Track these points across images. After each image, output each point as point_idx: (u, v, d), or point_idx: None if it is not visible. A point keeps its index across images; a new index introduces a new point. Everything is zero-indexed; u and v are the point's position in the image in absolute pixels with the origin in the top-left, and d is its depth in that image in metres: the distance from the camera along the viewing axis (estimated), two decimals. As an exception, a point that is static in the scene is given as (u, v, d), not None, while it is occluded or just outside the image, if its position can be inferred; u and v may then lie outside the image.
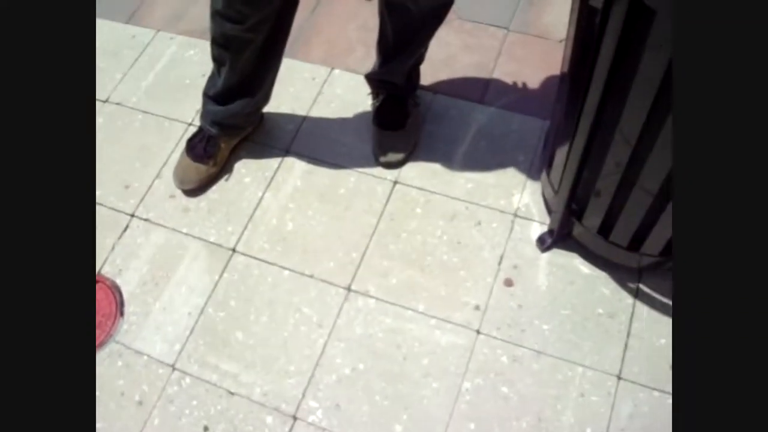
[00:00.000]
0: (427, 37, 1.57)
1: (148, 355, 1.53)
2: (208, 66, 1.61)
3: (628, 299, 1.51)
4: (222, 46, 1.48)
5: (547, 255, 1.58)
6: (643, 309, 1.50)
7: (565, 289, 1.53)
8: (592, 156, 1.31)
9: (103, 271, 1.65)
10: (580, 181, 1.41)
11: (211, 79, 1.63)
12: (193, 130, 1.83)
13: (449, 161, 1.73)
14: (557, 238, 1.57)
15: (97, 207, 1.75)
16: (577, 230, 1.51)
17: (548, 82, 1.86)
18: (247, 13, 1.35)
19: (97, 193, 1.77)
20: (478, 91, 1.85)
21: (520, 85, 1.86)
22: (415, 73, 1.71)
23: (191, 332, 1.54)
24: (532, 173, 1.69)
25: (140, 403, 1.46)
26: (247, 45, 1.45)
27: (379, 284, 1.56)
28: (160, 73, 2.00)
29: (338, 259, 1.60)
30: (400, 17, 1.51)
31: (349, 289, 1.56)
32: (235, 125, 1.69)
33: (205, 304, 1.57)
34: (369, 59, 1.86)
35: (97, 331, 1.58)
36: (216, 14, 1.41)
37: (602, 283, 1.54)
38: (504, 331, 1.49)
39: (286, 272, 1.59)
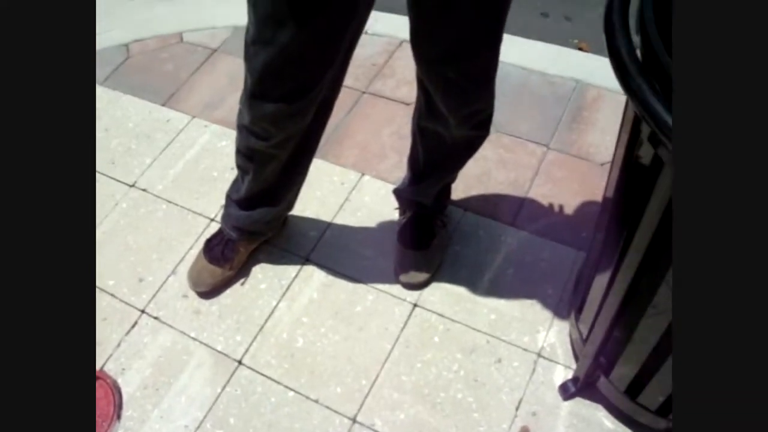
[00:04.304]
0: (458, 164, 1.51)
1: (139, 467, 1.45)
2: (236, 162, 1.56)
3: (655, 462, 1.39)
4: (246, 157, 1.44)
5: (569, 404, 1.47)
6: (670, 475, 1.38)
7: (586, 445, 1.42)
8: (633, 304, 1.20)
9: (106, 368, 1.59)
10: (613, 332, 1.31)
11: (235, 184, 1.59)
12: (215, 226, 1.79)
13: (474, 287, 1.64)
14: (581, 386, 1.46)
15: (109, 298, 1.70)
16: (602, 383, 1.40)
17: (586, 208, 1.78)
18: (273, 131, 1.31)
19: (111, 283, 1.72)
20: (511, 212, 1.78)
21: (555, 208, 1.78)
22: (445, 193, 1.65)
23: (186, 448, 1.46)
24: (560, 310, 1.60)
25: None
26: (272, 159, 1.41)
27: (387, 418, 1.46)
28: (189, 162, 1.97)
29: (346, 384, 1.51)
30: (431, 142, 1.46)
31: (354, 420, 1.46)
32: (256, 231, 1.64)
33: (204, 418, 1.49)
34: (400, 168, 1.81)
35: (91, 433, 1.51)
36: (242, 128, 1.37)
37: (627, 440, 1.42)
38: (516, 488, 1.37)
39: (291, 393, 1.51)
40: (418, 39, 1.23)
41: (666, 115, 0.81)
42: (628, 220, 1.08)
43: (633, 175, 1.07)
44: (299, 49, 1.15)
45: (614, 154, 1.19)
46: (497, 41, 1.21)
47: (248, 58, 1.21)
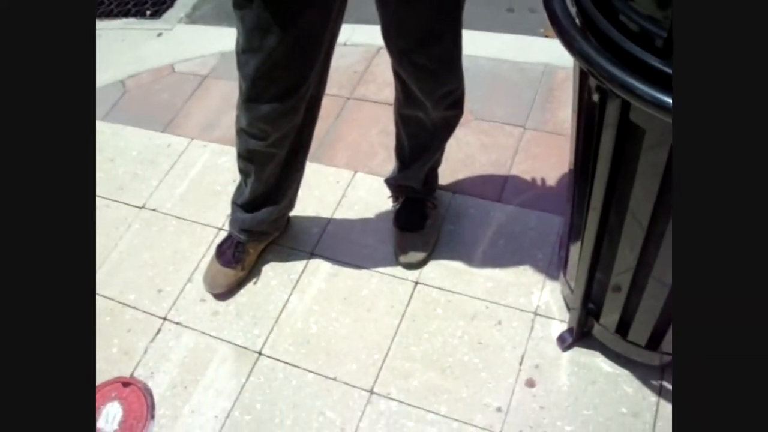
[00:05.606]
0: (440, 144, 1.65)
1: (177, 459, 1.56)
2: (237, 173, 1.69)
3: (652, 397, 1.50)
4: (247, 160, 1.57)
5: (568, 353, 1.58)
6: (667, 407, 1.49)
7: (587, 389, 1.53)
8: (604, 251, 1.33)
9: (136, 374, 1.71)
10: (594, 279, 1.43)
11: (239, 189, 1.72)
12: (223, 234, 1.91)
13: (469, 260, 1.77)
14: (577, 336, 1.57)
15: (132, 311, 1.82)
16: (596, 329, 1.52)
17: (564, 178, 1.90)
18: (269, 131, 1.45)
19: (132, 297, 1.85)
20: (496, 190, 1.91)
21: (537, 182, 1.91)
22: (432, 176, 1.78)
23: (218, 436, 1.57)
24: (551, 271, 1.72)
25: None
26: (271, 159, 1.54)
27: (401, 387, 1.58)
28: (193, 180, 2.11)
29: (361, 361, 1.63)
30: (413, 128, 1.59)
31: (371, 391, 1.58)
32: (263, 231, 1.76)
33: (232, 407, 1.61)
34: (390, 162, 1.94)
35: (129, 435, 1.62)
36: (241, 131, 1.51)
37: (625, 381, 1.53)
38: (526, 434, 1.48)
39: (310, 375, 1.63)
40: (389, 33, 1.38)
41: (605, 63, 0.95)
42: (587, 176, 1.21)
43: (586, 134, 1.20)
44: (285, 52, 1.29)
45: (572, 124, 1.33)
46: (458, 26, 1.35)
47: (241, 65, 1.35)
